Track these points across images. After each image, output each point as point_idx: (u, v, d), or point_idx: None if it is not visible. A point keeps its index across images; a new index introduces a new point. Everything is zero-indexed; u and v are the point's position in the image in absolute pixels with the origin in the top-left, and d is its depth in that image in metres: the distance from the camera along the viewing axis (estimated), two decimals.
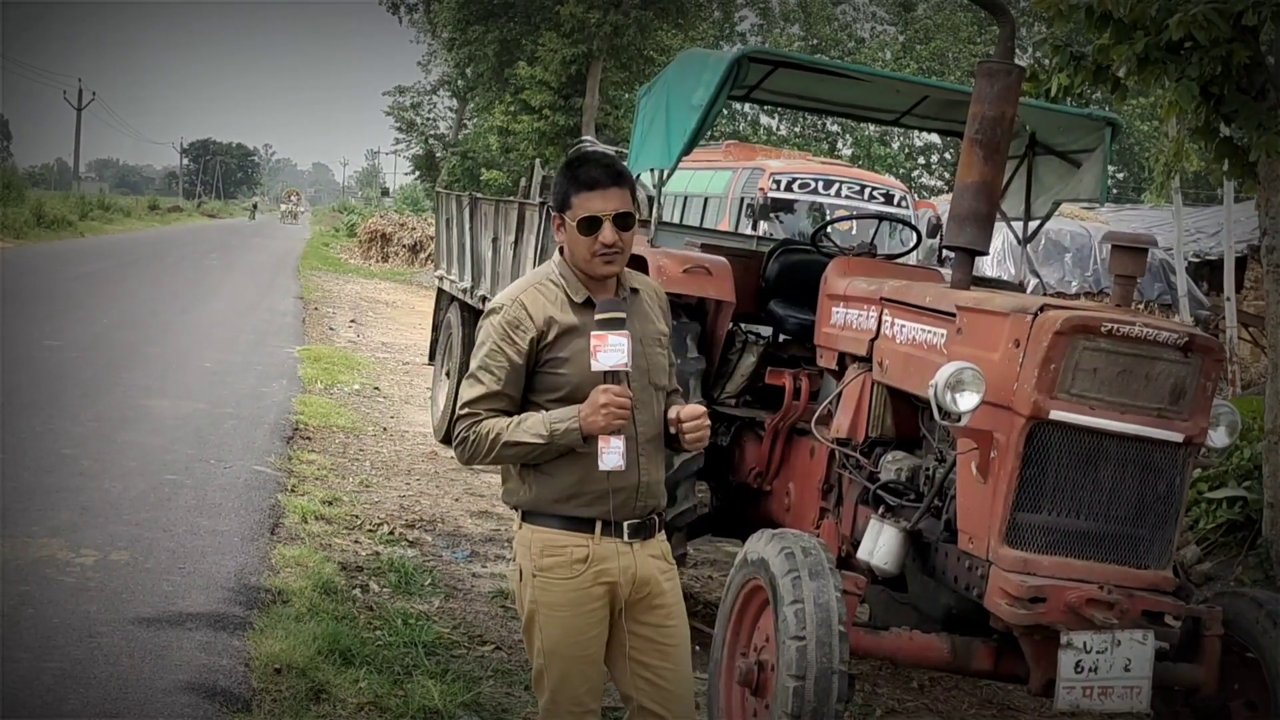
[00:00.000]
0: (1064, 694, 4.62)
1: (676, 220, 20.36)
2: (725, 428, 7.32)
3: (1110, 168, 7.60)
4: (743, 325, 7.33)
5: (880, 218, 7.50)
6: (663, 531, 3.98)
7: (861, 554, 5.36)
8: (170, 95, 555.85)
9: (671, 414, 3.89)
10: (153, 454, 9.52)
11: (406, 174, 72.42)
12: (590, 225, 3.76)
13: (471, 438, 3.74)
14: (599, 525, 3.78)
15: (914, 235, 7.43)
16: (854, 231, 14.44)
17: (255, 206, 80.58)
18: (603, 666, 3.89)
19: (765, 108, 45.62)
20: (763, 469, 6.86)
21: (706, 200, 21.66)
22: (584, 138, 17.17)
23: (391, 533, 8.38)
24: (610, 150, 13.84)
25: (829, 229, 7.32)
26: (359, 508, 8.93)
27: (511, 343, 3.75)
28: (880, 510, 5.39)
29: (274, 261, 37.63)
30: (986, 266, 16.99)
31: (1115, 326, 4.60)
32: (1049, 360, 4.60)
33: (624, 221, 3.79)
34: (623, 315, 3.66)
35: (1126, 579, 4.70)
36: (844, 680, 4.54)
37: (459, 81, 50.72)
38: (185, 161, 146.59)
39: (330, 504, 8.80)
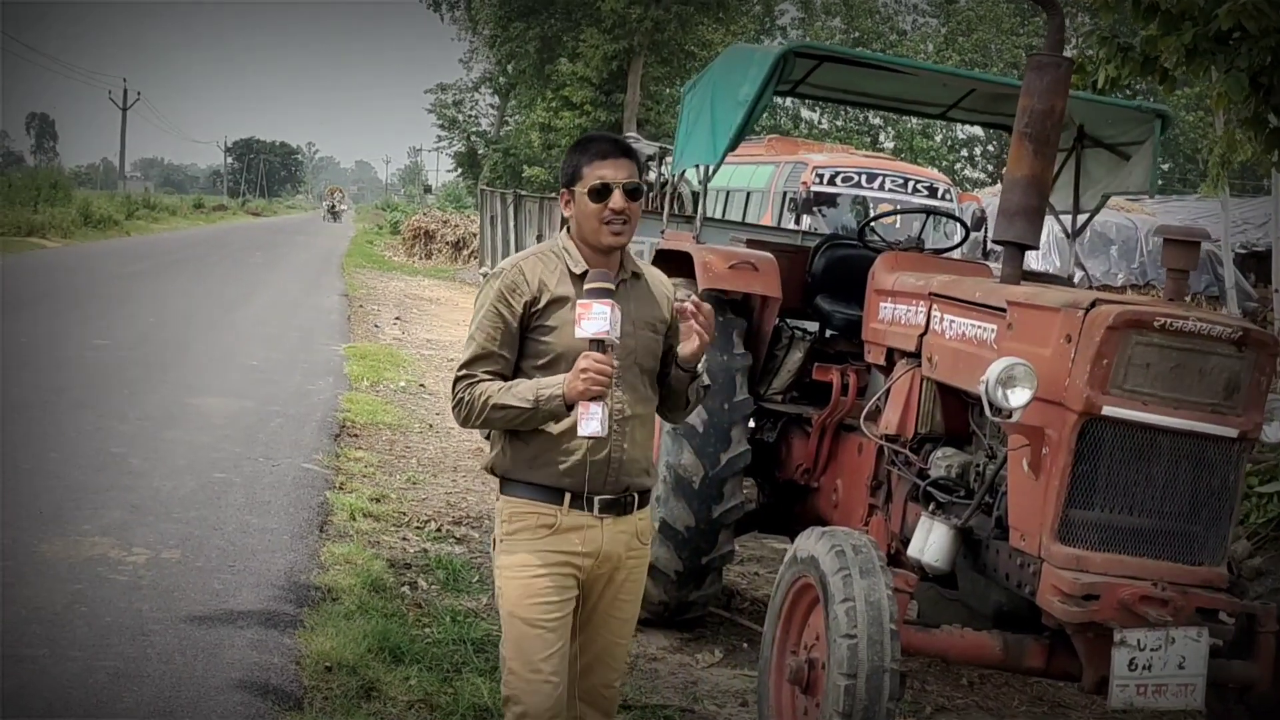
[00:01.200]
0: (1118, 692, 4.58)
1: (718, 215, 20.33)
2: (772, 424, 7.31)
3: (1159, 159, 7.53)
4: (789, 321, 7.31)
5: (927, 212, 7.45)
6: (642, 509, 3.99)
7: (912, 551, 5.33)
8: (214, 94, 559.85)
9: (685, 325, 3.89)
10: (201, 452, 9.59)
11: (448, 171, 72.55)
12: (601, 192, 3.82)
13: (466, 399, 3.79)
14: (568, 497, 3.81)
15: (959, 228, 7.38)
16: (898, 225, 14.37)
17: (333, 209, 76.27)
18: (565, 642, 3.84)
19: (806, 101, 45.59)
20: (810, 465, 6.84)
21: (749, 195, 21.59)
22: (627, 134, 17.16)
23: (439, 530, 8.40)
24: (652, 147, 13.83)
25: (874, 224, 7.29)
26: (406, 505, 8.96)
27: (508, 305, 3.81)
28: (931, 507, 5.36)
29: (318, 259, 37.81)
30: (1033, 259, 16.88)
31: (1168, 321, 4.55)
32: (1101, 355, 4.56)
33: (633, 192, 3.85)
34: (610, 286, 3.69)
35: (1180, 576, 4.66)
36: (895, 678, 4.51)
37: (500, 78, 50.82)
38: (229, 160, 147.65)
39: (378, 501, 8.84)
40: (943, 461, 5.61)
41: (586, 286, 3.69)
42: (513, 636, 3.80)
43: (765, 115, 45.07)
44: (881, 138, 45.88)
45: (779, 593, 5.20)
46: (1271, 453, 8.02)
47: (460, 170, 58.60)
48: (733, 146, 6.82)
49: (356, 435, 11.10)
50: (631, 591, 4.04)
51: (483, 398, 3.75)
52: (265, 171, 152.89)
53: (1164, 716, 6.42)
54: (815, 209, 18.04)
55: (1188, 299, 18.65)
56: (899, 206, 15.16)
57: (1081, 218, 7.36)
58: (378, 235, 56.09)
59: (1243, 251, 22.67)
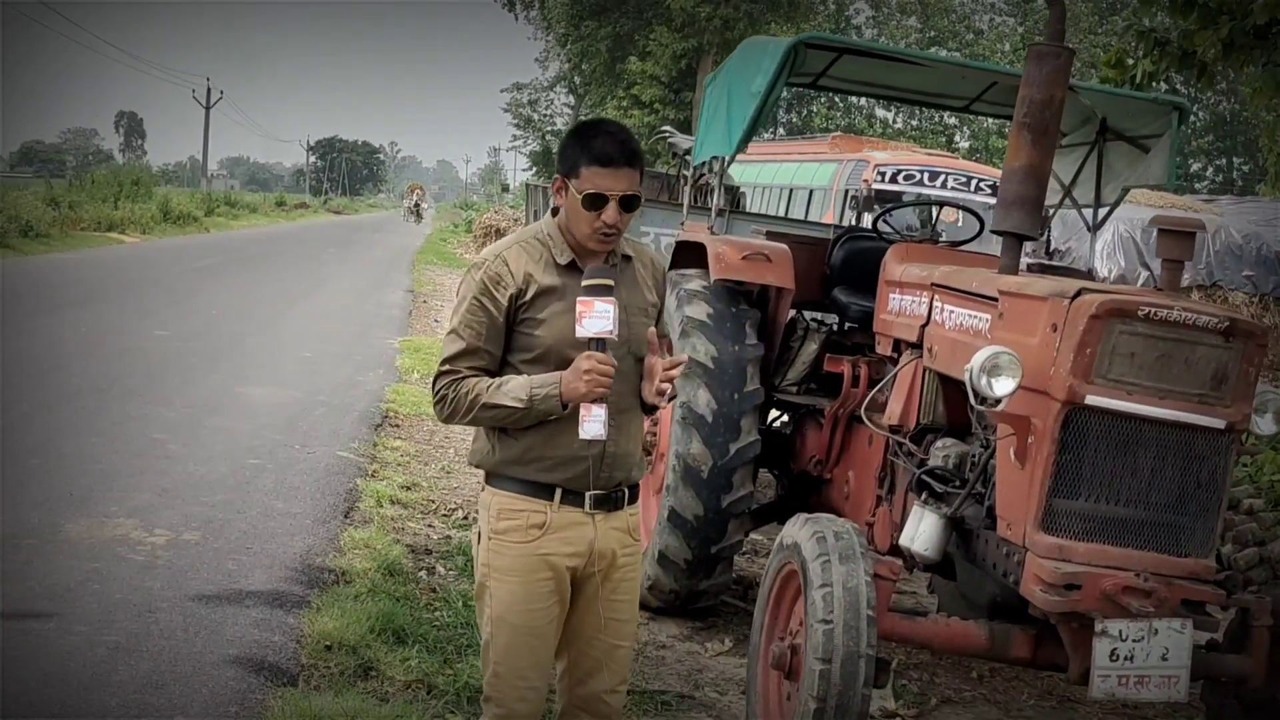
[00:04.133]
0: (1099, 682, 4.55)
1: (780, 214, 20.30)
2: (789, 415, 7.33)
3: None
4: (806, 313, 7.32)
5: (941, 203, 7.43)
6: (632, 504, 3.86)
7: (903, 540, 5.34)
8: (298, 94, 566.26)
9: (649, 363, 3.75)
10: (239, 439, 9.74)
11: (524, 170, 72.91)
12: (595, 202, 3.64)
13: (451, 395, 3.65)
14: (559, 493, 3.69)
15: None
16: (960, 224, 14.28)
17: (417, 207, 71.03)
18: (552, 645, 3.78)
19: (880, 101, 45.38)
20: (823, 457, 6.85)
21: (811, 193, 21.58)
22: (663, 128, 17.18)
23: (465, 517, 8.48)
24: (689, 141, 13.84)
25: (906, 216, 7.28)
26: (437, 493, 9.06)
27: (491, 298, 3.66)
28: (924, 497, 5.37)
29: (390, 256, 38.15)
30: (1097, 261, 16.68)
31: (1153, 310, 4.52)
32: (1085, 344, 4.54)
33: (629, 203, 3.67)
34: (610, 283, 3.55)
35: (1165, 567, 4.62)
36: (871, 664, 4.51)
37: (575, 77, 51.05)
38: (312, 159, 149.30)
39: (409, 489, 8.94)
40: (940, 452, 5.60)
41: (586, 283, 3.54)
42: (502, 641, 3.71)
43: (840, 114, 45.08)
44: (957, 138, 45.55)
45: (767, 579, 5.23)
46: (1266, 446, 7.89)
47: (536, 169, 58.91)
48: (747, 138, 6.83)
49: (398, 426, 11.22)
50: (628, 591, 3.89)
51: (470, 396, 3.61)
52: (348, 170, 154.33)
53: (1163, 711, 6.39)
54: (876, 206, 17.98)
55: (1253, 300, 18.40)
56: (919, 198, 15.11)
57: (1103, 211, 7.30)
58: (453, 233, 56.48)
59: None
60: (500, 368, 3.71)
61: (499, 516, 3.72)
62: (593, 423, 3.53)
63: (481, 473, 3.83)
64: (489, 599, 3.74)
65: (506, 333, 3.69)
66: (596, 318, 3.51)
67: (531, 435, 3.67)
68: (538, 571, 3.69)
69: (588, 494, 3.71)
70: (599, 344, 3.53)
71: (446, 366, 3.69)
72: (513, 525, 3.70)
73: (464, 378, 3.66)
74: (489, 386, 3.62)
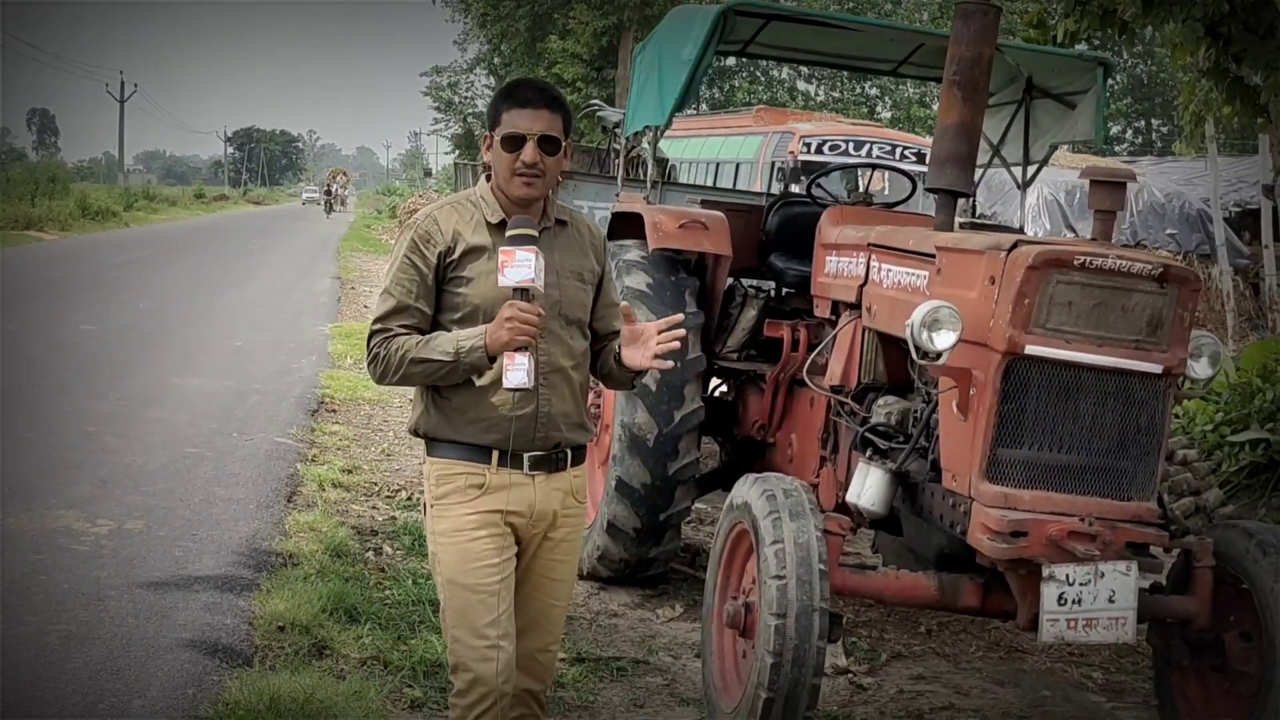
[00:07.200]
0: (1048, 626, 4.62)
1: (709, 186, 20.34)
2: (730, 382, 7.37)
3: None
4: (744, 280, 7.36)
5: (873, 167, 7.50)
6: (577, 466, 3.87)
7: (849, 496, 5.40)
8: (212, 85, 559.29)
9: (634, 329, 3.77)
10: (176, 429, 9.67)
11: (447, 153, 72.28)
12: (514, 143, 3.67)
13: (382, 354, 3.66)
14: (496, 454, 3.69)
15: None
16: (887, 192, 14.39)
17: (328, 192, 65.78)
18: (508, 602, 3.71)
19: (801, 74, 45.48)
20: (765, 421, 6.89)
21: (738, 166, 21.62)
22: (592, 101, 17.17)
23: (409, 498, 8.46)
24: (618, 114, 13.85)
25: (824, 179, 7.33)
26: (379, 475, 9.04)
27: (421, 255, 3.69)
28: (869, 453, 5.43)
29: (315, 245, 37.90)
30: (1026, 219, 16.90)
31: (1088, 259, 4.59)
32: (1023, 295, 4.60)
33: (549, 146, 3.69)
34: (533, 233, 3.56)
35: (1108, 511, 4.69)
36: (825, 618, 4.57)
37: (494, 58, 50.73)
38: (230, 150, 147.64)
39: (350, 472, 8.92)
40: (883, 409, 5.66)
41: (508, 233, 3.55)
42: (455, 605, 3.68)
43: (760, 87, 45.13)
44: (879, 108, 45.74)
45: (718, 540, 5.28)
46: (1204, 390, 7.99)
47: (458, 152, 58.45)
48: (679, 107, 6.86)
49: (334, 411, 11.19)
50: (567, 552, 3.89)
51: (400, 352, 3.61)
52: (267, 160, 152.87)
53: (1110, 657, 6.52)
54: (803, 178, 18.06)
55: (1178, 257, 18.70)
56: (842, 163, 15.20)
57: (1031, 169, 7.39)
58: (376, 220, 56.11)
59: (1237, 210, 22.61)
60: (431, 328, 3.72)
61: (438, 482, 3.74)
62: (516, 371, 3.49)
63: (422, 447, 3.84)
64: (438, 564, 3.75)
65: (437, 291, 3.71)
66: (518, 266, 3.50)
67: (464, 394, 3.68)
68: (479, 529, 3.68)
69: (526, 455, 3.70)
70: (523, 294, 3.51)
71: (379, 325, 3.70)
72: (451, 488, 3.71)
73: (395, 335, 3.67)
74: (418, 343, 3.63)
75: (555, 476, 3.78)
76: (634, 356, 3.77)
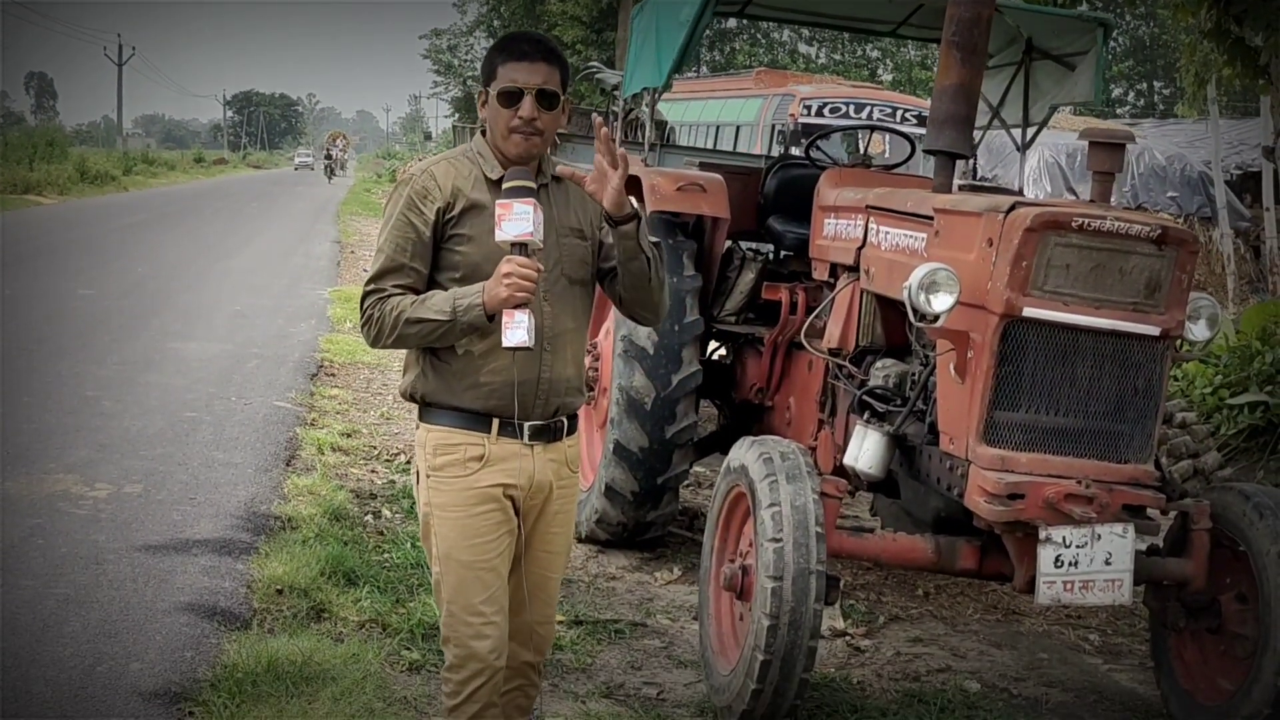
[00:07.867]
0: (1044, 589, 4.63)
1: (709, 148, 20.27)
2: (728, 345, 7.36)
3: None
4: (742, 243, 7.34)
5: (871, 128, 7.47)
6: (571, 435, 3.77)
7: (847, 459, 5.40)
8: (212, 48, 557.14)
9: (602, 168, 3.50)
10: (174, 393, 9.67)
11: (446, 116, 71.99)
12: (511, 98, 3.53)
13: (376, 315, 3.52)
14: (496, 424, 3.57)
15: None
16: (887, 154, 14.33)
17: (328, 156, 62.83)
18: (505, 578, 3.64)
19: (803, 36, 45.30)
20: (763, 384, 6.89)
21: (739, 129, 21.55)
22: (591, 63, 17.06)
23: (408, 462, 8.45)
24: (616, 76, 13.77)
25: (824, 142, 7.29)
26: (378, 439, 9.04)
27: (418, 213, 3.55)
28: (866, 416, 5.42)
29: (315, 209, 37.82)
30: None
31: (1086, 221, 4.57)
32: (1021, 257, 4.58)
33: (547, 100, 3.54)
34: (531, 185, 3.41)
35: (1105, 473, 4.69)
36: (822, 580, 4.58)
37: (494, 21, 50.50)
38: (229, 114, 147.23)
39: (349, 436, 8.92)
40: (881, 372, 5.67)
41: (505, 186, 3.40)
42: (451, 580, 3.59)
43: (763, 51, 44.96)
44: (880, 70, 45.59)
45: (715, 503, 5.28)
46: (1202, 352, 7.96)
47: (458, 115, 58.28)
48: (676, 68, 6.82)
49: (333, 375, 11.19)
50: (562, 522, 3.80)
51: (394, 313, 3.47)
52: (266, 124, 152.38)
53: (1106, 619, 6.53)
54: (803, 140, 17.99)
55: (1180, 220, 18.65)
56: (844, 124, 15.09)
57: (1031, 131, 7.36)
58: (376, 183, 55.98)
59: (1238, 173, 22.55)
60: (428, 287, 3.58)
61: (436, 452, 3.61)
62: (515, 329, 3.35)
63: (416, 410, 3.72)
64: (435, 538, 3.64)
65: (434, 249, 3.58)
66: (516, 219, 3.36)
67: (463, 359, 3.56)
68: (481, 504, 3.58)
69: (525, 425, 3.59)
70: (521, 249, 3.38)
71: (372, 285, 3.56)
72: (451, 460, 3.58)
73: (389, 295, 3.53)
74: (413, 303, 3.49)
75: (553, 447, 3.69)
76: (605, 198, 3.51)
